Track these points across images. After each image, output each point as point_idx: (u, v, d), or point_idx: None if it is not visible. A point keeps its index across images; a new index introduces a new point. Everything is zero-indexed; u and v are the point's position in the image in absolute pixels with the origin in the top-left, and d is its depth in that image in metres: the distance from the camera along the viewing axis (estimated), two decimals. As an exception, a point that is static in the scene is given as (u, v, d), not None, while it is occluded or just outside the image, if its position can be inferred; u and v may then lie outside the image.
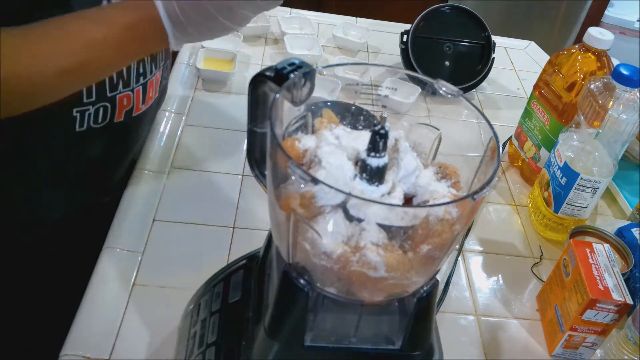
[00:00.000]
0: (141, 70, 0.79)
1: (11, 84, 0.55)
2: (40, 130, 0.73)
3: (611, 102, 0.81)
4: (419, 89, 1.07)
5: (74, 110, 0.72)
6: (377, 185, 0.46)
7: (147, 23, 0.60)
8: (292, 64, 0.50)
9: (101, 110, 0.75)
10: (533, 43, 1.51)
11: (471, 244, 0.90)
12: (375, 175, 0.45)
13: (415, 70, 1.20)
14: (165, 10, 0.60)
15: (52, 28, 0.58)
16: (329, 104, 0.56)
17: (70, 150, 0.77)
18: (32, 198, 0.79)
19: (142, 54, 0.71)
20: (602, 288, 0.69)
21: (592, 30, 0.91)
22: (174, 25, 0.61)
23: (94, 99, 0.73)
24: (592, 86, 0.84)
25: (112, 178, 0.88)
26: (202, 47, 1.17)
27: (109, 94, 0.75)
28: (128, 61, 0.70)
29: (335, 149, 0.47)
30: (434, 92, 0.52)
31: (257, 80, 0.51)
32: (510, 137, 1.10)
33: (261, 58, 1.23)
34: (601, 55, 0.92)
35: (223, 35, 0.64)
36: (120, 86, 0.76)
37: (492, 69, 1.23)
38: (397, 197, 0.46)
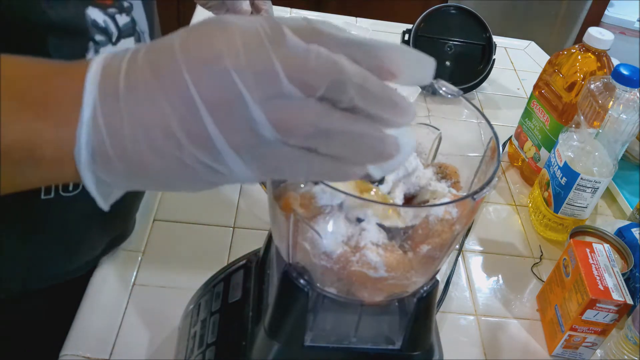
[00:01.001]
0: None
1: None
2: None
3: (611, 102, 0.81)
4: (419, 89, 1.07)
5: None
6: (377, 185, 0.46)
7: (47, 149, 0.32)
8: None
9: None
10: (533, 43, 1.51)
11: (471, 244, 0.90)
12: (376, 175, 0.45)
13: (415, 70, 1.20)
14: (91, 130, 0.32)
15: None
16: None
17: (35, 220, 0.64)
18: None
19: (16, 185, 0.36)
20: (602, 288, 0.69)
21: (592, 30, 0.91)
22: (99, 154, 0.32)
23: None
24: (592, 86, 0.84)
25: (86, 254, 0.74)
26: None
27: None
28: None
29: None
30: (434, 92, 0.52)
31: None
32: (510, 137, 1.10)
33: (261, 58, 1.23)
34: (601, 55, 0.92)
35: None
36: None
37: (492, 69, 1.23)
38: (397, 197, 0.46)
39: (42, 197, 0.62)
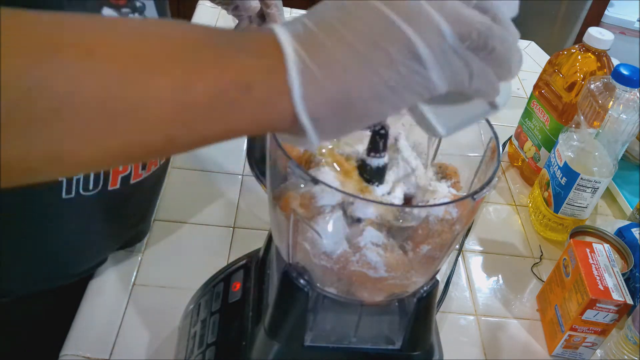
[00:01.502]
0: None
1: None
2: (19, 194, 0.56)
3: (611, 102, 0.81)
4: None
5: None
6: (377, 185, 0.46)
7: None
8: (292, 64, 0.50)
9: (92, 175, 0.63)
10: (533, 43, 1.51)
11: (471, 244, 0.90)
12: (375, 175, 0.45)
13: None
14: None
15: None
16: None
17: (54, 220, 0.65)
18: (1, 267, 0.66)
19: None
20: (602, 288, 0.69)
21: (592, 30, 0.91)
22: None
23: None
24: (592, 86, 0.84)
25: (100, 253, 0.74)
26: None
27: None
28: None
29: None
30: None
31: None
32: (510, 137, 1.10)
33: (261, 58, 1.23)
34: (601, 55, 0.92)
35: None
36: None
37: (492, 69, 1.23)
38: (397, 197, 0.46)
39: (64, 196, 0.62)
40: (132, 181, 0.68)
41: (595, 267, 0.71)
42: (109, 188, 0.66)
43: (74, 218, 0.66)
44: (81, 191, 0.63)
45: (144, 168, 0.69)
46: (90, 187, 0.64)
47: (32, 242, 0.66)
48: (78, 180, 0.62)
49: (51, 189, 0.62)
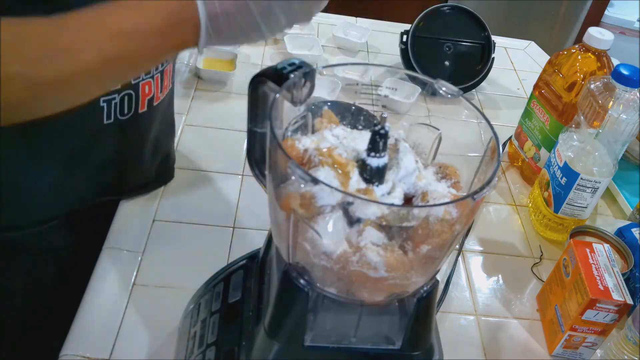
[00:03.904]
0: None
1: (16, 86, 0.46)
2: (65, 121, 0.66)
3: (611, 102, 0.81)
4: (419, 89, 1.07)
5: (101, 100, 0.71)
6: (377, 185, 0.46)
7: (184, 17, 0.51)
8: (292, 64, 0.50)
9: (126, 99, 0.73)
10: (533, 43, 1.51)
11: (471, 244, 0.90)
12: (375, 175, 0.45)
13: (415, 71, 1.20)
14: (204, 6, 0.51)
15: (70, 18, 0.48)
16: (329, 104, 0.56)
17: (95, 143, 0.75)
18: (43, 187, 0.74)
19: (170, 53, 0.58)
20: (602, 288, 0.69)
21: (592, 30, 0.91)
22: (211, 23, 0.52)
23: (119, 86, 0.71)
24: (592, 86, 0.84)
25: (135, 174, 0.84)
26: (202, 47, 1.17)
27: (132, 81, 0.73)
28: (157, 59, 0.58)
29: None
30: (434, 92, 0.53)
31: (257, 80, 0.51)
32: (510, 137, 1.10)
33: (261, 58, 1.23)
34: (601, 55, 0.92)
35: (248, 43, 0.56)
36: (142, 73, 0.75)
37: (492, 69, 1.23)
38: (397, 197, 0.46)
39: (105, 122, 0.72)
40: (154, 103, 0.79)
41: (595, 267, 0.71)
42: (140, 111, 0.76)
43: (115, 141, 0.76)
44: (118, 115, 0.73)
45: (161, 90, 0.80)
46: (125, 111, 0.74)
47: (78, 163, 0.75)
48: (115, 105, 0.73)
49: (94, 115, 0.72)
